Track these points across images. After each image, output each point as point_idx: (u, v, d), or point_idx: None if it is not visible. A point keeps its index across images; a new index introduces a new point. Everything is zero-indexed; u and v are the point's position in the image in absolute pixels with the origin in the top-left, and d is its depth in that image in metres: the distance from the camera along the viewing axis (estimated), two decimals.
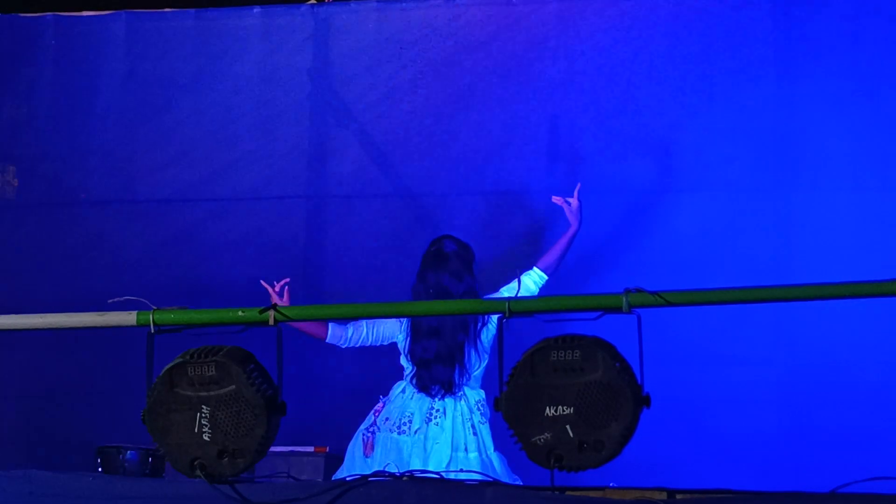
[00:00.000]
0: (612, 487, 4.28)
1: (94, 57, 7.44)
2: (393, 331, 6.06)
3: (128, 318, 4.34)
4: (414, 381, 5.99)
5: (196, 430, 4.08)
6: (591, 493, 4.10)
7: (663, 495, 4.04)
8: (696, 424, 6.70)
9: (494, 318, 6.03)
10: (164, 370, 4.12)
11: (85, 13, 7.44)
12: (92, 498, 4.17)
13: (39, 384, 7.18)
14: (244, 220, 7.23)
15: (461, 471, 5.50)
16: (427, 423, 5.95)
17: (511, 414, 4.04)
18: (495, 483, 4.37)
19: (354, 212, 6.97)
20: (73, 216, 7.35)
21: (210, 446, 4.09)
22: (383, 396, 6.11)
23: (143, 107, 7.38)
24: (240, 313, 4.32)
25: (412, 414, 5.98)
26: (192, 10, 7.41)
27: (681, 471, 6.56)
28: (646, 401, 3.97)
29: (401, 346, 6.07)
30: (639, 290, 4.10)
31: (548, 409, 3.97)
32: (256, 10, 7.36)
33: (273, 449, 4.42)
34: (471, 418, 5.97)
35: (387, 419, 5.99)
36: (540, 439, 3.98)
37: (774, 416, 6.70)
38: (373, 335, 6.08)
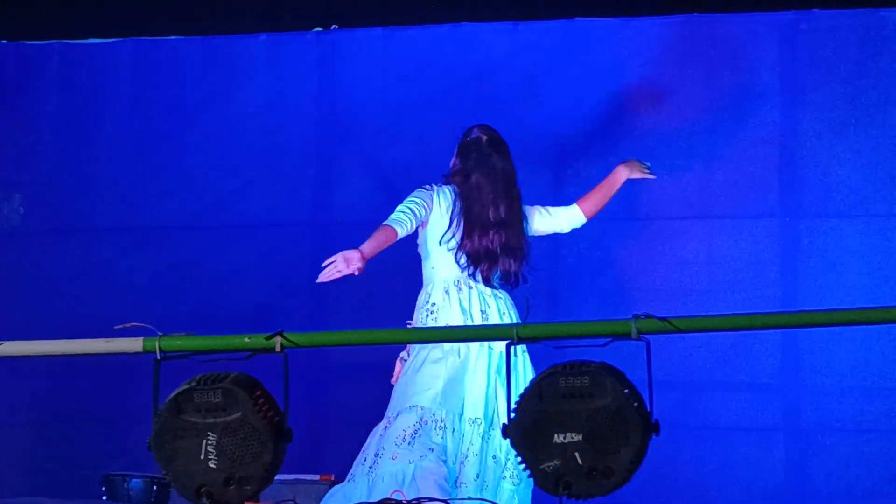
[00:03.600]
0: None
1: (100, 84, 7.45)
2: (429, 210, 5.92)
3: (134, 344, 4.34)
4: (473, 272, 5.83)
5: (202, 457, 4.07)
6: None
7: None
8: (704, 451, 6.69)
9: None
10: (170, 397, 4.11)
11: (91, 41, 7.45)
12: None
13: (45, 411, 7.16)
14: (250, 247, 7.23)
15: (468, 499, 5.47)
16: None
17: (519, 440, 4.02)
18: None
19: (360, 239, 6.95)
20: (78, 243, 7.35)
21: (216, 473, 4.08)
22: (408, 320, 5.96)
23: (149, 134, 7.39)
24: (246, 340, 4.32)
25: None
26: (198, 38, 7.42)
27: (689, 497, 6.54)
28: (655, 427, 3.95)
29: (436, 232, 5.91)
30: (647, 316, 4.09)
31: (556, 435, 3.95)
32: (262, 37, 7.37)
33: (278, 477, 4.40)
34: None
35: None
36: (548, 466, 3.96)
37: (782, 442, 6.69)
38: (423, 215, 5.93)
